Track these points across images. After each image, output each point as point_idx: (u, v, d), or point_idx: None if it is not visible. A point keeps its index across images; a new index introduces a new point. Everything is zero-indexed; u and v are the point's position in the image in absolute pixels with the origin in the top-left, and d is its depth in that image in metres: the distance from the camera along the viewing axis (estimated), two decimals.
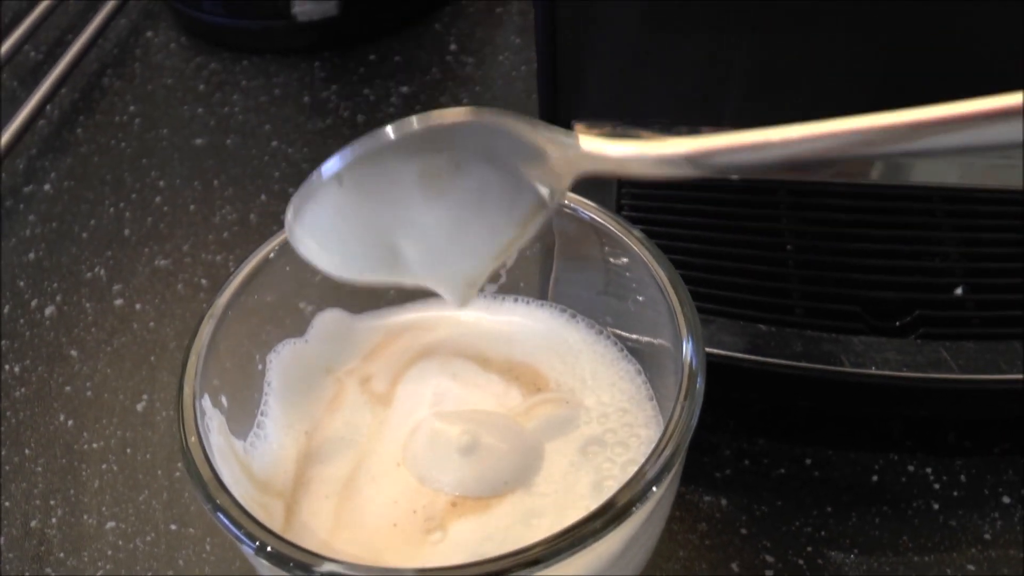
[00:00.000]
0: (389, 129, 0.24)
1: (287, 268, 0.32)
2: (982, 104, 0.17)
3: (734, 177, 0.46)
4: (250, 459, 0.30)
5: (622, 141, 0.24)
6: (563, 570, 0.24)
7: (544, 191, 0.25)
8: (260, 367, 0.32)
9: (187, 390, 0.27)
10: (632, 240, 0.30)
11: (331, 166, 0.25)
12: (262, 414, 0.32)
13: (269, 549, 0.23)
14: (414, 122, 0.24)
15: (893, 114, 0.19)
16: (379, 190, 0.25)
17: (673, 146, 0.22)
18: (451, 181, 0.25)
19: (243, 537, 0.23)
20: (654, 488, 0.24)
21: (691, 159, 0.22)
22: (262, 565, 0.24)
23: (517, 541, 0.23)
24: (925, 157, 0.18)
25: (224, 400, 0.29)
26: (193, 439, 0.26)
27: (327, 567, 0.23)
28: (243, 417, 0.31)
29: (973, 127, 0.17)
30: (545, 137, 0.24)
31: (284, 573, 0.23)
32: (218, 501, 0.24)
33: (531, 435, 0.30)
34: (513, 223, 0.26)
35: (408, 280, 0.28)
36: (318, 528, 0.28)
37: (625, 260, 0.31)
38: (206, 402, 0.28)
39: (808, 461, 0.42)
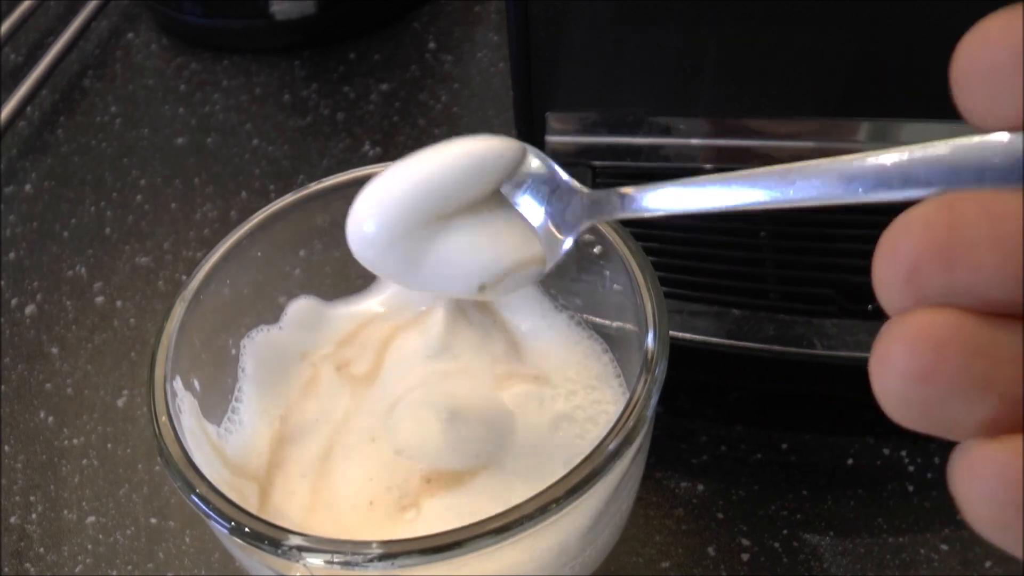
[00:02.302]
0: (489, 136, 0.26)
1: (259, 254, 0.32)
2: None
3: (707, 165, 0.46)
4: (224, 443, 0.31)
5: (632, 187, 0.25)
6: (530, 541, 0.24)
7: (541, 251, 0.27)
8: (234, 352, 0.33)
9: (158, 372, 0.27)
10: (605, 227, 0.31)
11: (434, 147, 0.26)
12: (236, 399, 0.32)
13: (246, 530, 0.23)
14: (507, 139, 0.26)
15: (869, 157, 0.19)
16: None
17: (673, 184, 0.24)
18: (485, 202, 0.26)
19: (213, 514, 0.24)
20: (616, 461, 0.25)
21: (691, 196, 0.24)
22: (234, 544, 0.24)
23: None
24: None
25: (197, 384, 0.29)
26: (163, 419, 0.26)
27: (294, 540, 0.23)
28: (217, 402, 0.31)
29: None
30: (570, 181, 0.27)
31: (256, 550, 0.24)
32: (189, 479, 0.24)
33: (503, 412, 0.30)
34: (506, 261, 0.27)
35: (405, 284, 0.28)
36: (293, 509, 0.28)
37: (598, 247, 0.31)
38: (177, 384, 0.28)
39: (784, 446, 0.43)
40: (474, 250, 0.26)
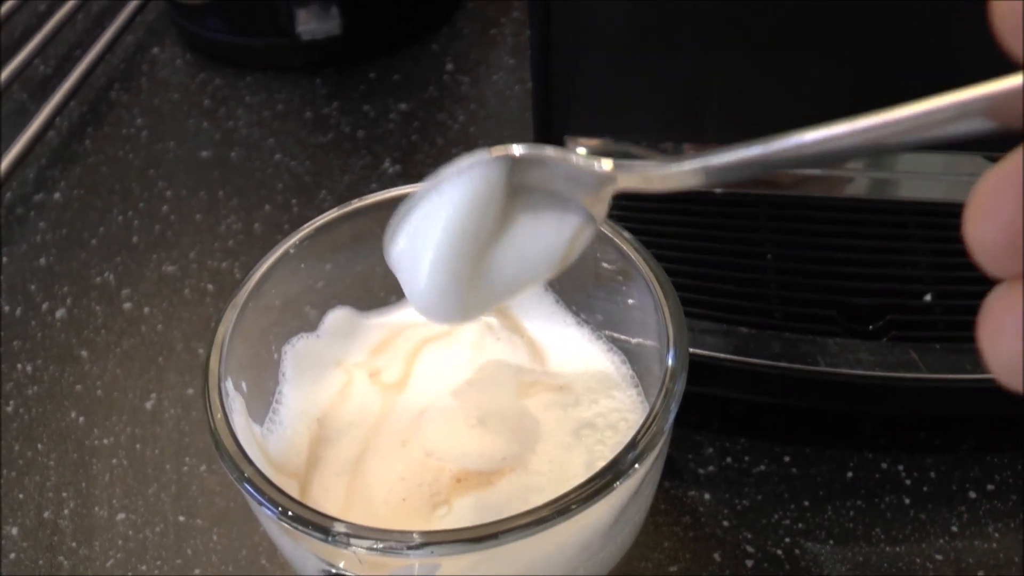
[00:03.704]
0: (469, 158, 0.27)
1: (302, 266, 0.34)
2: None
3: (718, 190, 0.48)
4: (266, 442, 0.33)
5: (648, 161, 0.26)
6: (558, 537, 0.26)
7: (586, 212, 0.28)
8: (276, 357, 0.35)
9: (212, 372, 0.29)
10: (624, 243, 0.33)
11: (420, 189, 0.28)
12: (277, 401, 0.34)
13: (290, 514, 0.25)
14: (486, 154, 0.27)
15: (860, 118, 0.21)
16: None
17: (693, 161, 0.25)
18: (510, 204, 0.28)
19: (266, 503, 0.26)
20: (636, 465, 0.27)
21: (710, 171, 0.24)
22: (282, 531, 0.26)
23: None
24: (899, 150, 0.20)
25: (244, 386, 0.32)
26: (219, 416, 0.28)
27: (340, 527, 0.25)
28: (260, 403, 0.33)
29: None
30: (581, 162, 0.27)
31: (303, 536, 0.26)
32: (244, 471, 0.26)
33: (529, 418, 0.32)
34: (563, 240, 0.28)
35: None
36: (331, 504, 0.30)
37: (619, 264, 0.34)
38: (228, 385, 0.30)
39: (787, 458, 0.45)
40: (526, 256, 0.28)
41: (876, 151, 0.21)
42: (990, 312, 0.16)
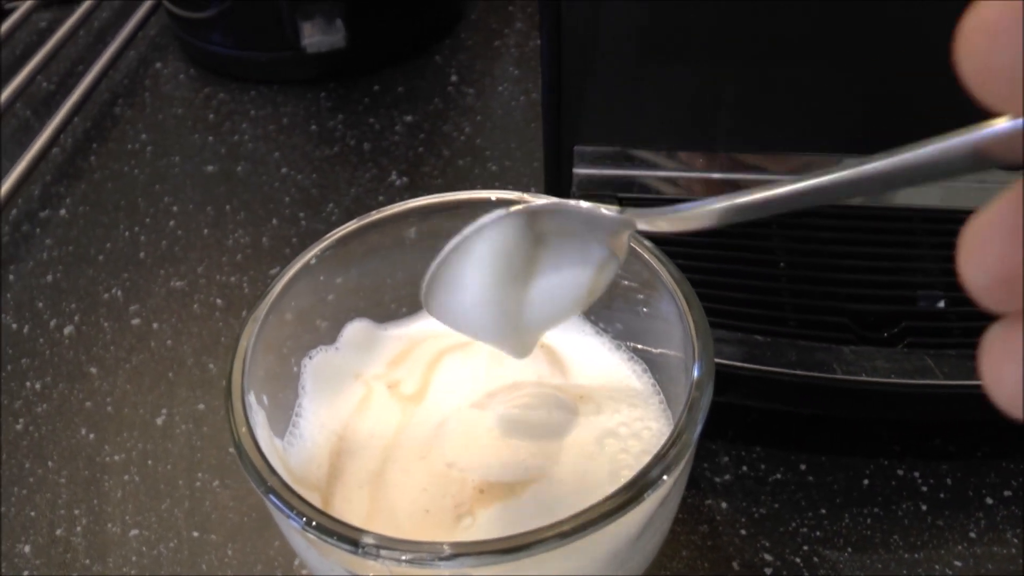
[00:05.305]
0: (489, 216, 0.29)
1: (321, 278, 0.34)
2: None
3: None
4: (287, 456, 0.32)
5: (663, 207, 0.27)
6: (584, 547, 0.26)
7: (607, 250, 0.29)
8: (295, 370, 0.35)
9: (236, 385, 0.29)
10: (647, 253, 0.33)
11: (446, 247, 0.29)
12: (297, 415, 0.34)
13: (316, 524, 0.25)
14: (503, 211, 0.29)
15: (873, 161, 0.21)
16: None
17: (706, 204, 0.25)
18: (536, 252, 0.29)
19: (292, 515, 0.26)
20: (665, 477, 0.26)
21: (722, 213, 0.25)
22: (308, 542, 0.26)
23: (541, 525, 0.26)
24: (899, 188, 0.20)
25: (265, 399, 0.31)
26: (244, 430, 0.28)
27: (368, 539, 0.25)
28: (280, 416, 0.33)
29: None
30: (598, 211, 0.29)
31: (331, 549, 0.25)
32: (269, 483, 0.26)
33: (550, 428, 0.32)
34: (588, 278, 0.29)
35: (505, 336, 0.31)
36: (354, 516, 0.30)
37: (642, 274, 0.34)
38: (251, 398, 0.30)
39: (803, 466, 0.45)
40: (556, 295, 0.30)
41: (873, 193, 0.21)
42: (990, 351, 0.16)
